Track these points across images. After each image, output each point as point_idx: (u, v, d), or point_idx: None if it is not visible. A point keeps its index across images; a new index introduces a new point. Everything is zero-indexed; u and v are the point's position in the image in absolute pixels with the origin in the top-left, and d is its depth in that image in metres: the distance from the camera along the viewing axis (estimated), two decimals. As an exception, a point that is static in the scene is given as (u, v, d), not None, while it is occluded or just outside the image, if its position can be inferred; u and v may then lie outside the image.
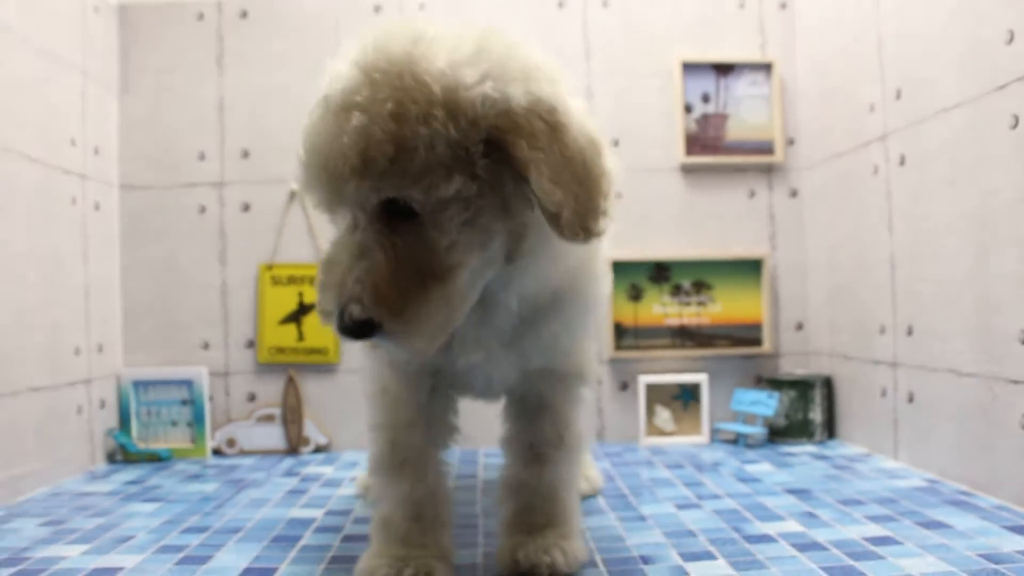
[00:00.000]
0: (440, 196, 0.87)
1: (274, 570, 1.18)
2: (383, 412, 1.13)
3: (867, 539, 1.23)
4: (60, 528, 1.42)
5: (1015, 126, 1.36)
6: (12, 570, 1.20)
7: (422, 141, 0.84)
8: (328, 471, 1.86)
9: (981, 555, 1.14)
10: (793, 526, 1.32)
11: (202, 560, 1.22)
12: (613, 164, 0.93)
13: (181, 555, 1.25)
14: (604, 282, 1.15)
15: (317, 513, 1.49)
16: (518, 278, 0.98)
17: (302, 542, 1.31)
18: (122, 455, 2.03)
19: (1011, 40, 1.36)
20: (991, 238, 1.43)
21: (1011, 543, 1.19)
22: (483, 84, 0.86)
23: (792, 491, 1.55)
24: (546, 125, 0.87)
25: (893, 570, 1.10)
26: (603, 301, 1.18)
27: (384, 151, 0.84)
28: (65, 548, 1.30)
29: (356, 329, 0.86)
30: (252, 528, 1.40)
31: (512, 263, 0.95)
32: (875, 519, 1.34)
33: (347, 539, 1.33)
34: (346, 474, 1.82)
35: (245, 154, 2.14)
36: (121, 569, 1.19)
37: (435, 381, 1.13)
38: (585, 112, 0.94)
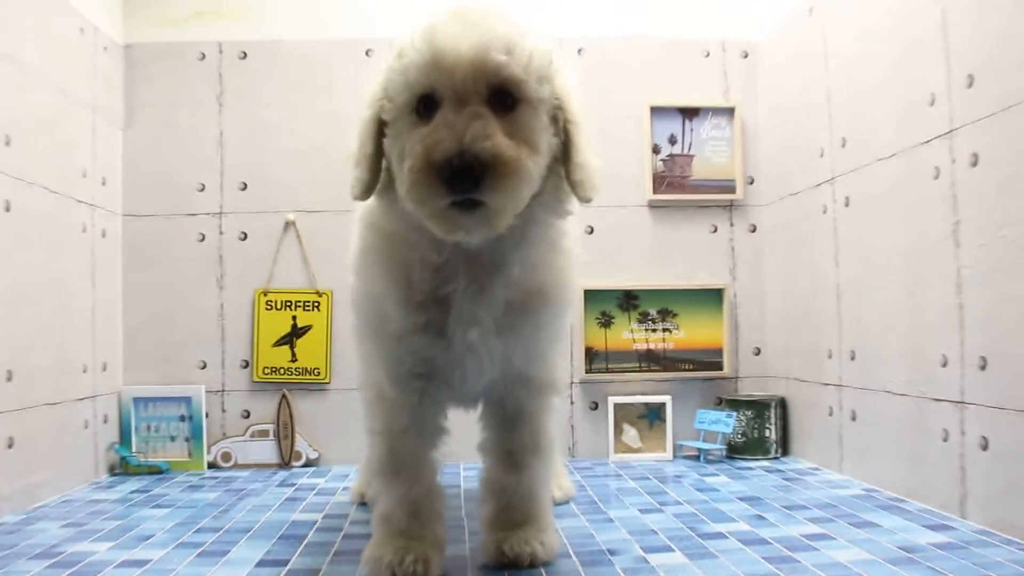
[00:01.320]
0: (541, 94, 1.08)
1: (286, 562, 1.32)
2: (380, 419, 1.28)
3: (805, 536, 1.41)
4: (83, 529, 1.56)
5: (937, 177, 1.56)
6: (49, 561, 1.34)
7: (529, 51, 1.07)
8: (320, 482, 2.01)
9: (899, 547, 1.32)
10: (742, 526, 1.49)
11: (220, 554, 1.37)
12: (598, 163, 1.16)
13: (199, 550, 1.39)
14: (575, 296, 1.33)
15: (316, 516, 1.64)
16: (524, 244, 1.16)
17: (307, 540, 1.46)
18: (123, 467, 2.16)
19: (933, 102, 1.56)
20: (921, 273, 1.62)
21: (927, 537, 1.38)
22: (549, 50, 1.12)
23: (744, 498, 1.72)
24: (577, 108, 1.13)
25: (824, 559, 1.27)
26: (572, 310, 1.36)
27: (511, 44, 1.05)
28: (92, 545, 1.44)
29: (475, 167, 0.99)
30: (260, 528, 1.54)
31: (531, 210, 1.13)
32: (814, 520, 1.52)
33: (347, 537, 1.48)
34: (338, 485, 1.97)
35: (243, 186, 2.30)
36: (148, 561, 1.33)
37: (424, 384, 1.26)
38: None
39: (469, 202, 1.01)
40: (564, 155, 1.14)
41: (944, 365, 1.55)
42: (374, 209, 1.23)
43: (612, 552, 1.35)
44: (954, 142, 1.51)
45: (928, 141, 1.59)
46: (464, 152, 0.99)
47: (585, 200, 1.14)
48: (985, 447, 1.44)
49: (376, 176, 1.15)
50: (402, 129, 1.08)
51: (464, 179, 0.99)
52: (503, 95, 1.05)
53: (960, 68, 1.49)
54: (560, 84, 1.12)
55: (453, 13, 1.07)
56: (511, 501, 1.30)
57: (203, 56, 2.32)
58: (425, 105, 1.06)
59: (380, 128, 1.13)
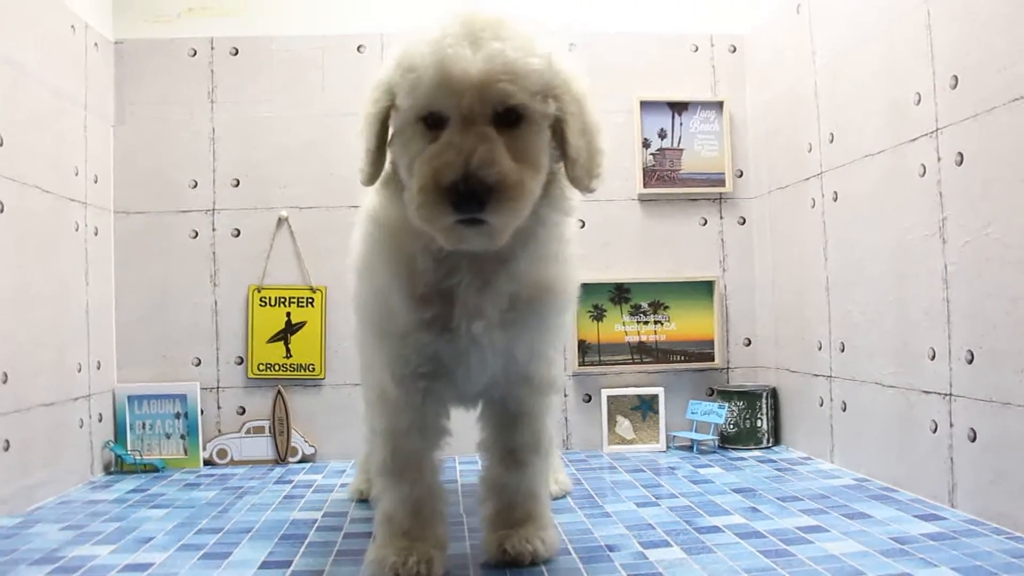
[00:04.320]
0: (544, 111, 1.11)
1: (289, 563, 1.34)
2: (383, 419, 1.30)
3: (799, 528, 1.44)
4: (82, 531, 1.57)
5: (923, 174, 1.58)
6: (51, 567, 1.35)
7: (536, 68, 1.08)
8: (318, 478, 2.02)
9: (892, 538, 1.36)
10: (737, 519, 1.52)
11: (223, 556, 1.38)
12: (605, 145, 1.18)
13: (201, 552, 1.41)
14: (576, 291, 1.34)
15: (316, 515, 1.66)
16: (532, 242, 1.19)
17: (308, 539, 1.48)
18: (118, 466, 2.17)
19: (919, 102, 1.59)
20: (908, 268, 1.65)
21: (918, 528, 1.41)
22: (550, 51, 1.12)
23: (738, 490, 1.75)
24: (578, 94, 1.14)
25: (819, 552, 1.30)
26: (572, 308, 1.37)
27: (518, 67, 1.06)
28: (93, 548, 1.45)
29: (480, 192, 1.03)
30: (260, 528, 1.56)
31: (536, 211, 1.16)
32: (808, 512, 1.55)
33: (348, 536, 1.50)
34: (335, 481, 1.99)
35: (236, 183, 2.30)
36: (151, 565, 1.34)
37: (428, 384, 1.28)
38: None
39: (474, 219, 1.05)
40: (562, 151, 1.16)
41: (932, 358, 1.58)
42: (377, 204, 1.26)
43: (611, 548, 1.37)
44: (940, 141, 1.54)
45: (914, 139, 1.61)
46: (470, 177, 1.02)
47: (580, 186, 1.17)
48: (973, 438, 1.47)
49: (378, 169, 1.20)
50: (410, 139, 1.12)
51: (469, 202, 1.03)
52: (508, 113, 1.08)
53: (945, 69, 1.52)
54: (563, 80, 1.14)
55: (462, 30, 1.07)
56: (512, 500, 1.32)
57: (194, 52, 2.31)
58: (433, 118, 1.09)
59: (383, 124, 1.17)
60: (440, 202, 1.04)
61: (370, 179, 1.20)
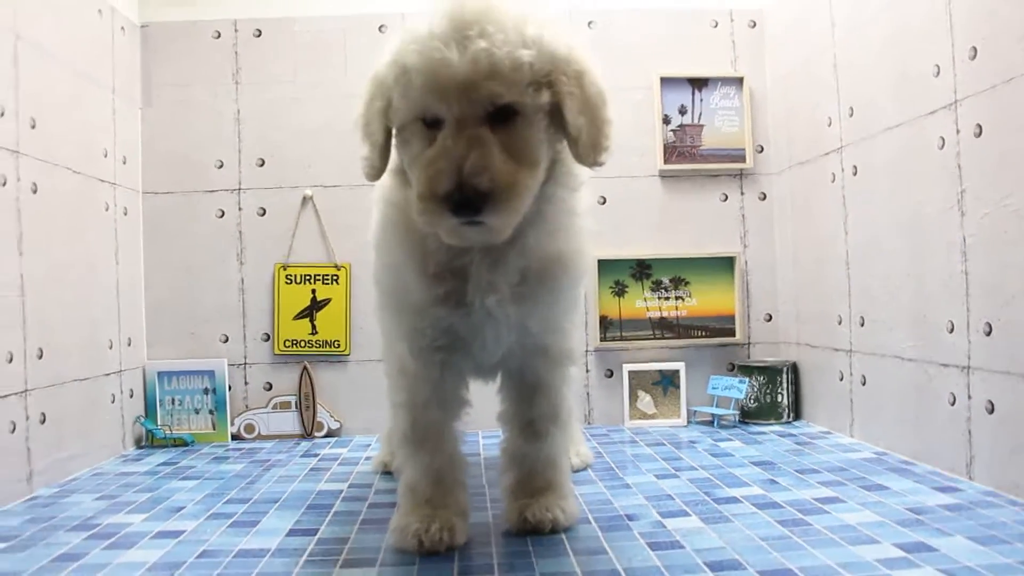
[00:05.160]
0: (537, 103, 1.11)
1: (316, 530, 1.38)
2: (403, 392, 1.33)
3: (816, 499, 1.46)
4: (116, 501, 1.62)
5: (942, 147, 1.58)
6: (87, 533, 1.40)
7: (525, 61, 1.09)
8: (343, 452, 2.07)
9: (908, 508, 1.37)
10: (756, 490, 1.54)
11: (251, 524, 1.43)
12: (613, 115, 1.18)
13: (231, 520, 1.45)
14: (589, 264, 1.36)
15: (342, 486, 1.70)
16: (539, 219, 1.20)
17: (334, 509, 1.52)
18: (149, 440, 2.22)
19: (938, 74, 1.58)
20: (925, 242, 1.66)
21: (935, 499, 1.42)
22: (541, 36, 1.12)
23: (757, 463, 1.77)
24: (576, 71, 1.14)
25: (835, 522, 1.32)
26: (586, 278, 1.41)
27: (504, 66, 1.07)
28: (127, 516, 1.50)
29: (474, 199, 1.05)
30: (287, 499, 1.60)
31: (543, 190, 1.18)
32: (826, 484, 1.57)
33: (372, 506, 1.54)
34: (359, 454, 2.03)
35: (261, 162, 2.33)
36: (183, 532, 1.39)
37: (445, 357, 1.31)
38: (598, 67, 1.19)
39: (474, 220, 1.08)
40: (563, 131, 1.16)
41: (950, 331, 1.59)
42: (389, 186, 1.28)
43: (630, 517, 1.40)
44: (958, 113, 1.53)
45: (933, 112, 1.61)
46: (464, 185, 1.05)
47: (585, 162, 1.18)
48: (991, 411, 1.48)
49: (386, 161, 1.22)
50: (411, 136, 1.15)
51: (466, 208, 1.06)
52: (501, 110, 1.10)
53: (963, 40, 1.51)
54: (556, 62, 1.13)
55: (449, 27, 1.08)
56: (532, 469, 1.35)
57: (218, 34, 2.34)
58: (430, 118, 1.12)
59: (387, 120, 1.19)
60: (439, 208, 1.07)
61: (378, 173, 1.22)
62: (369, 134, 1.20)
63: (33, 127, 1.75)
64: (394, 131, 1.19)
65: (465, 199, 1.05)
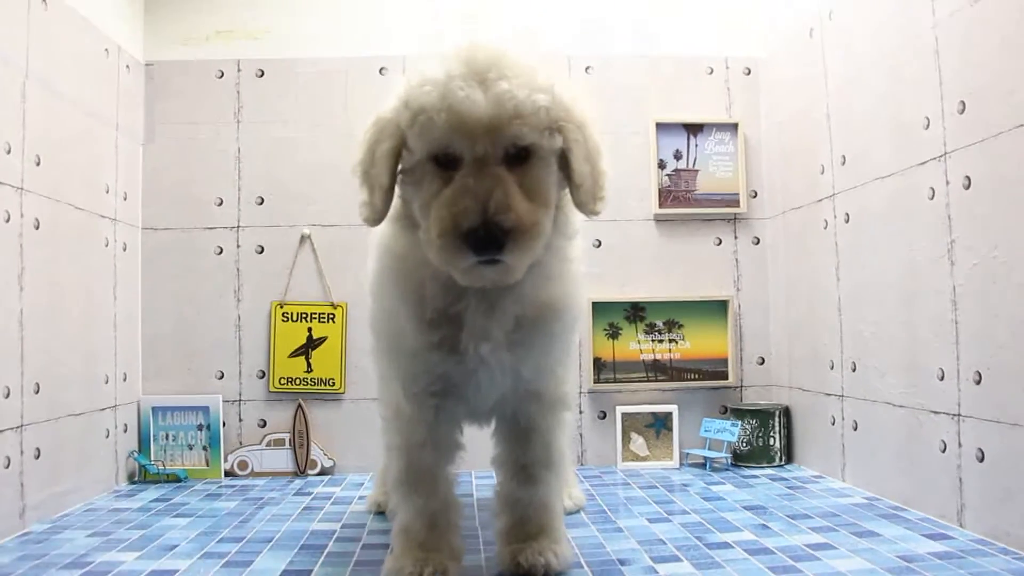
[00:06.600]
0: (552, 147, 1.15)
1: (309, 572, 1.38)
2: (398, 435, 1.34)
3: (808, 545, 1.47)
4: (109, 538, 1.61)
5: (932, 197, 1.61)
6: (79, 572, 1.40)
7: (542, 105, 1.12)
8: (336, 491, 2.07)
9: (899, 556, 1.38)
10: (748, 535, 1.55)
11: (244, 564, 1.43)
12: (608, 167, 1.23)
13: (224, 560, 1.45)
14: (582, 309, 1.37)
15: (335, 526, 1.70)
16: (536, 265, 1.20)
17: (327, 550, 1.52)
18: (142, 475, 2.22)
19: (928, 126, 1.62)
20: (916, 289, 1.68)
21: (926, 547, 1.43)
22: (552, 83, 1.16)
23: (750, 507, 1.78)
24: (580, 121, 1.18)
25: (826, 569, 1.33)
26: (578, 325, 1.42)
27: (526, 108, 1.10)
28: (119, 554, 1.50)
29: (499, 237, 1.07)
30: (280, 538, 1.60)
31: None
32: (817, 529, 1.57)
33: (366, 547, 1.54)
34: (353, 493, 2.03)
35: (260, 200, 2.36)
36: (175, 571, 1.39)
37: (440, 401, 1.32)
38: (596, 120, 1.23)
39: (492, 259, 1.10)
40: (568, 178, 1.20)
41: (941, 378, 1.60)
42: (387, 233, 1.30)
43: (623, 562, 1.40)
44: (948, 165, 1.57)
45: (924, 163, 1.64)
46: (489, 224, 1.07)
47: (585, 210, 1.21)
48: (981, 459, 1.49)
49: (388, 205, 1.22)
50: (422, 177, 1.16)
51: (488, 246, 1.08)
52: (519, 152, 1.13)
53: (953, 94, 1.55)
54: (566, 109, 1.17)
55: (467, 70, 1.11)
56: (525, 513, 1.36)
57: (221, 74, 2.38)
58: (445, 158, 1.13)
59: (395, 162, 1.19)
60: (459, 247, 1.09)
61: (380, 216, 1.22)
62: (373, 177, 1.20)
63: (38, 164, 1.78)
64: (399, 174, 1.20)
65: (490, 236, 1.07)
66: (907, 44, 1.69)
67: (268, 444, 2.30)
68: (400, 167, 1.20)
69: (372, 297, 1.39)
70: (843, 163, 1.98)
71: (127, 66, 2.25)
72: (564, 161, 1.18)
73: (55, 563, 1.45)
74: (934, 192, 1.61)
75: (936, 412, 1.62)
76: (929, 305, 1.64)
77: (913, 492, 1.71)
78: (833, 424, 2.05)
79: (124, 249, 2.23)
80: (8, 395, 1.65)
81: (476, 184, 1.09)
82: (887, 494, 1.81)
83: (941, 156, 1.58)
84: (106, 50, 2.13)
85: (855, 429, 1.95)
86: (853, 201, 1.94)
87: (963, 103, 1.52)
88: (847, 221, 1.97)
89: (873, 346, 1.86)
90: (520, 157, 1.13)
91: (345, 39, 2.40)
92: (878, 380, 1.84)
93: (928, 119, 1.62)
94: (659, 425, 2.34)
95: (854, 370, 1.95)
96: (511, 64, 1.12)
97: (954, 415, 1.57)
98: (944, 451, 1.60)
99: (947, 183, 1.57)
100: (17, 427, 1.68)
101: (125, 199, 2.24)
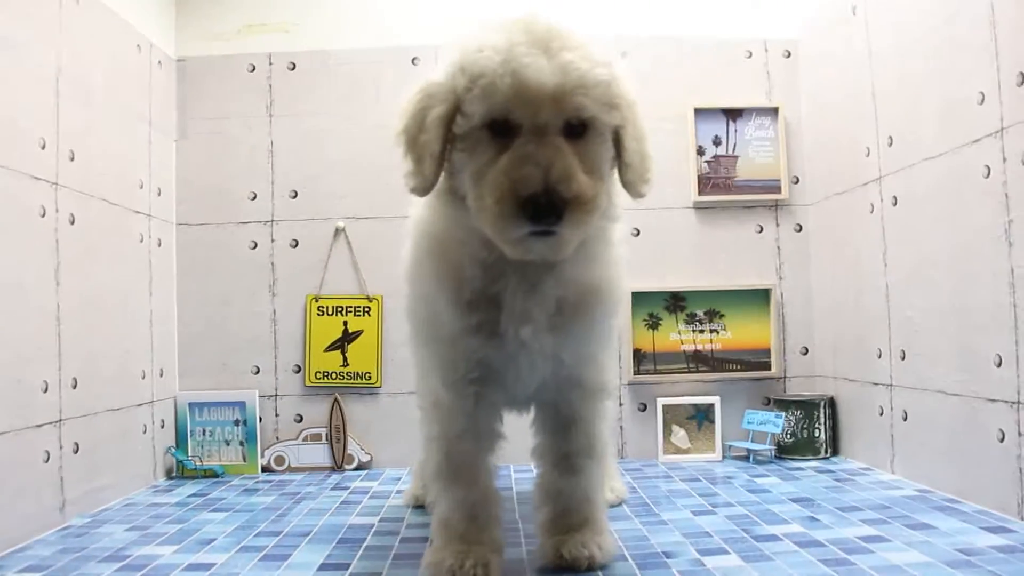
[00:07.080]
0: (610, 122, 1.13)
1: (347, 565, 1.36)
2: (437, 424, 1.31)
3: (860, 537, 1.41)
4: (146, 532, 1.61)
5: (988, 175, 1.55)
6: (118, 564, 1.39)
7: (604, 80, 1.10)
8: (373, 485, 2.04)
9: (958, 549, 1.32)
10: (796, 528, 1.50)
11: (282, 558, 1.41)
12: (652, 151, 1.21)
13: (262, 553, 1.44)
14: (624, 295, 1.34)
15: (373, 520, 1.68)
16: (580, 248, 1.17)
17: (365, 543, 1.50)
18: (179, 471, 2.21)
19: (982, 101, 1.55)
20: (970, 272, 1.62)
21: (985, 540, 1.37)
22: (610, 59, 1.13)
23: (796, 500, 1.73)
24: (630, 101, 1.16)
25: (880, 561, 1.27)
26: (620, 310, 1.38)
27: (590, 79, 1.08)
28: (157, 548, 1.49)
29: (559, 205, 1.04)
30: (318, 532, 1.58)
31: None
32: (869, 522, 1.52)
33: (405, 540, 1.52)
34: (390, 488, 2.00)
35: (294, 194, 2.34)
36: (213, 565, 1.37)
37: (479, 389, 1.28)
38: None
39: (545, 231, 1.06)
40: (619, 157, 1.17)
41: (998, 364, 1.54)
42: (425, 215, 1.27)
43: (668, 555, 1.36)
44: (1004, 141, 1.50)
45: (978, 140, 1.57)
46: (550, 191, 1.04)
47: (632, 191, 1.19)
48: (1042, 448, 1.43)
49: (439, 172, 1.16)
50: (475, 145, 1.11)
51: (548, 215, 1.04)
52: (579, 123, 1.10)
53: (1010, 66, 1.48)
54: (621, 87, 1.15)
55: (530, 38, 1.08)
56: (568, 505, 1.32)
57: (253, 68, 2.37)
58: (501, 125, 1.09)
59: (448, 128, 1.13)
60: (517, 213, 1.05)
61: (430, 185, 1.16)
62: (422, 144, 1.14)
63: (72, 159, 1.77)
64: (457, 143, 1.14)
65: (551, 204, 1.04)
66: (959, 15, 1.62)
67: (305, 439, 2.29)
68: (452, 134, 1.14)
69: (408, 283, 1.36)
70: (890, 144, 1.91)
71: (159, 62, 2.25)
72: (616, 138, 1.15)
73: (94, 556, 1.44)
74: (990, 170, 1.54)
75: (993, 400, 1.56)
76: (985, 288, 1.57)
77: (968, 484, 1.64)
78: (881, 415, 1.99)
79: (159, 245, 2.22)
80: (47, 390, 1.65)
81: (537, 152, 1.06)
82: (940, 486, 1.75)
83: (997, 132, 1.52)
84: (138, 46, 2.12)
85: (905, 419, 1.89)
86: (901, 183, 1.87)
87: (1022, 75, 1.45)
88: (895, 204, 1.90)
89: (924, 333, 1.80)
90: (578, 130, 1.10)
91: (377, 30, 2.37)
92: (929, 368, 1.78)
93: (983, 93, 1.55)
94: (701, 417, 2.29)
95: (903, 358, 1.88)
96: (570, 36, 1.10)
97: (1013, 403, 1.51)
98: (1003, 440, 1.53)
99: (1004, 160, 1.50)
100: (56, 421, 1.68)
101: (159, 195, 2.24)
